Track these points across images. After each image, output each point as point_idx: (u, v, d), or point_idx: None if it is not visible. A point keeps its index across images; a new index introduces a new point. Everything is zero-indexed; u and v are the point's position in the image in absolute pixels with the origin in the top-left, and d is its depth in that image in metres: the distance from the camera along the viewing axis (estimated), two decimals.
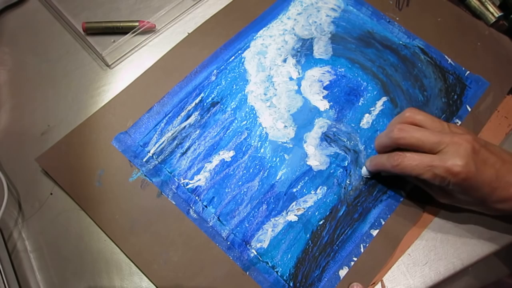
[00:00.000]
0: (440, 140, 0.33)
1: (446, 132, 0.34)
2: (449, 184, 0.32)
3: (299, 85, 0.44)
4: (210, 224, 0.37)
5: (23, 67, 0.45)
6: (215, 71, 0.44)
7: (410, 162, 0.33)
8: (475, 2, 0.48)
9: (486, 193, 0.33)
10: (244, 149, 0.41)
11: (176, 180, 0.39)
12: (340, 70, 0.45)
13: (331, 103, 0.43)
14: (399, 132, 0.34)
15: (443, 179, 0.32)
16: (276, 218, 0.38)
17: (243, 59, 0.45)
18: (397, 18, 0.48)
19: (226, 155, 0.40)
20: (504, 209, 0.34)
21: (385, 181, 0.39)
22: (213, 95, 0.43)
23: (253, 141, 0.41)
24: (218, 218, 0.38)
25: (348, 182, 0.39)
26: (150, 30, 0.46)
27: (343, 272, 0.36)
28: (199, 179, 0.39)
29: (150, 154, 0.40)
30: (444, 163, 0.32)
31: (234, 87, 0.43)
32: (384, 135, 0.37)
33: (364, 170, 0.39)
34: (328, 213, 0.38)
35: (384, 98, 0.43)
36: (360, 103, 0.43)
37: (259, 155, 0.40)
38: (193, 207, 0.38)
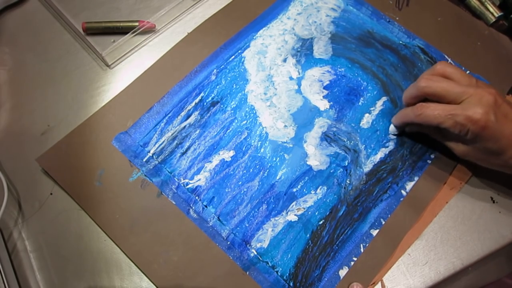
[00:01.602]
0: (464, 90, 0.34)
1: (472, 85, 0.35)
2: (468, 132, 0.33)
3: (299, 85, 0.44)
4: (210, 224, 0.37)
5: (23, 67, 0.45)
6: (215, 70, 0.44)
7: (433, 111, 0.35)
8: (475, 2, 0.48)
9: (504, 146, 0.34)
10: (244, 148, 0.41)
11: (176, 180, 0.39)
12: (340, 70, 0.45)
13: (331, 102, 0.43)
14: (426, 81, 0.36)
15: (463, 126, 0.33)
16: (276, 218, 0.38)
17: (243, 59, 0.45)
18: (397, 18, 0.48)
19: (226, 155, 0.40)
20: None
21: (386, 181, 0.39)
22: (213, 95, 0.43)
23: (253, 141, 0.41)
24: (218, 218, 0.38)
25: (348, 182, 0.39)
26: (150, 30, 0.46)
27: (343, 272, 0.36)
28: (199, 179, 0.39)
29: (150, 154, 0.40)
30: (465, 111, 0.33)
31: (234, 87, 0.43)
32: (412, 86, 0.38)
33: (391, 128, 0.41)
34: (328, 213, 0.38)
35: (384, 98, 0.43)
36: (360, 103, 0.43)
37: (259, 154, 0.40)
38: (193, 207, 0.38)
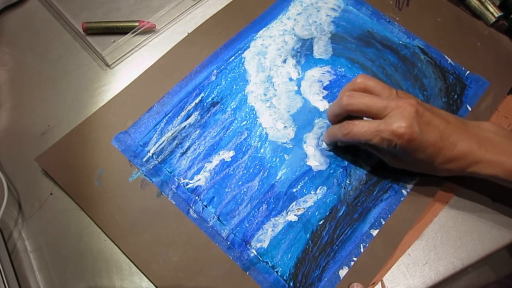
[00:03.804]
0: (386, 105, 0.34)
1: (393, 98, 0.35)
2: (396, 146, 0.34)
3: (299, 86, 0.44)
4: (210, 224, 0.37)
5: (23, 67, 0.45)
6: (215, 71, 0.44)
7: (359, 129, 0.35)
8: (475, 2, 0.48)
9: (432, 154, 0.34)
10: (244, 149, 0.41)
11: (176, 180, 0.39)
12: (340, 70, 0.45)
13: (331, 103, 0.43)
14: (347, 99, 0.36)
15: (390, 142, 0.34)
16: (276, 218, 0.38)
17: (243, 59, 0.45)
18: (397, 18, 0.48)
19: (226, 155, 0.40)
20: (451, 169, 0.36)
21: (386, 181, 0.39)
22: (213, 95, 0.43)
23: (253, 141, 0.41)
24: (218, 218, 0.38)
25: (348, 182, 0.39)
26: (150, 30, 0.46)
27: (343, 272, 0.36)
28: (199, 179, 0.39)
29: (150, 154, 0.40)
30: (390, 126, 0.33)
31: (234, 87, 0.43)
32: (335, 103, 0.38)
33: (324, 145, 0.41)
34: (328, 213, 0.38)
35: None
36: None
37: (259, 155, 0.40)
38: (193, 207, 0.38)
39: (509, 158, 0.34)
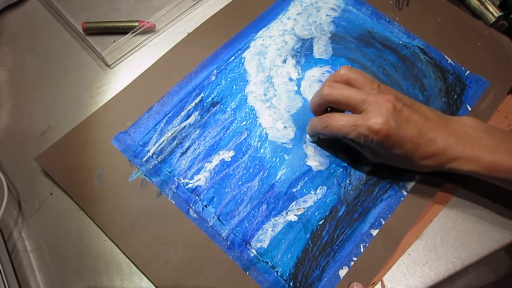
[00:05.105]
0: (364, 99, 0.34)
1: (373, 92, 0.35)
2: (372, 142, 0.34)
3: (298, 86, 0.44)
4: (210, 224, 0.37)
5: (23, 67, 0.45)
6: (215, 71, 0.44)
7: (337, 122, 0.35)
8: (475, 2, 0.48)
9: (410, 150, 0.34)
10: (244, 149, 0.41)
11: (176, 179, 0.39)
12: None
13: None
14: (328, 89, 0.36)
15: (366, 137, 0.34)
16: (276, 218, 0.38)
17: (243, 60, 0.45)
18: (397, 18, 0.48)
19: (226, 155, 0.40)
20: (429, 165, 0.36)
21: (386, 181, 0.39)
22: (213, 95, 0.43)
23: (253, 141, 0.41)
24: (218, 218, 0.38)
25: (348, 182, 0.39)
26: (150, 30, 0.46)
27: (343, 272, 0.36)
28: (199, 179, 0.39)
29: (149, 154, 0.40)
30: (366, 122, 0.33)
31: (234, 87, 0.43)
32: (316, 93, 0.38)
33: (308, 136, 0.41)
34: (328, 213, 0.38)
35: None
36: None
37: (259, 155, 0.40)
38: (193, 207, 0.38)
39: (487, 153, 0.34)
